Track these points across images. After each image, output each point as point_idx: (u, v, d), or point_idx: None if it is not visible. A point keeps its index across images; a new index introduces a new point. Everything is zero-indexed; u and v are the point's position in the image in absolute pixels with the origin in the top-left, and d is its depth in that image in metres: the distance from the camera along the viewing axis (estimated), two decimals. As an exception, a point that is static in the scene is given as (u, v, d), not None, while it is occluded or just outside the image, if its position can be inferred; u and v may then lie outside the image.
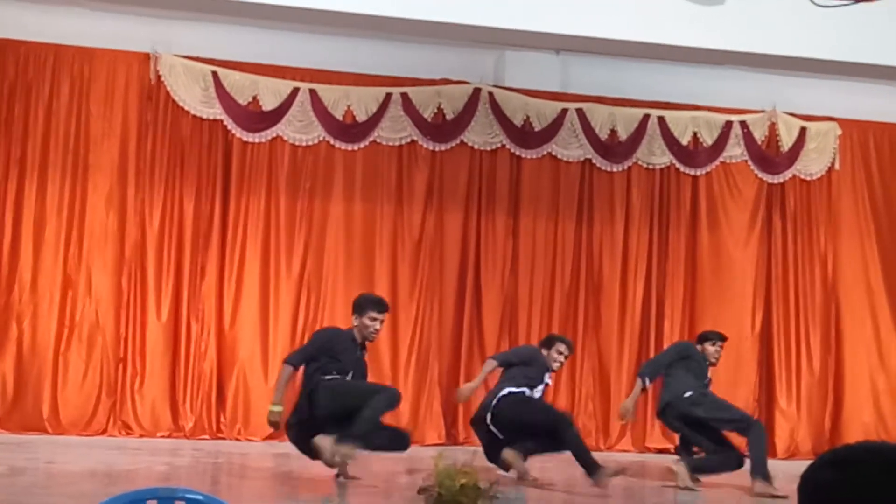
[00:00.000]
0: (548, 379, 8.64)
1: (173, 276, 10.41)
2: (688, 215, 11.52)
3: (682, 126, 11.47)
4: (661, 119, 11.40)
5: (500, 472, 8.04)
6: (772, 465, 9.79)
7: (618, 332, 11.26)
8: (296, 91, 10.74)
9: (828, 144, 11.74)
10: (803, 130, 11.66)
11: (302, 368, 7.89)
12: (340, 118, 10.83)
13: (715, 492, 8.47)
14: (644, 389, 8.74)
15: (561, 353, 8.70)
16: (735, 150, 11.58)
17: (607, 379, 11.18)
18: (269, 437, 10.28)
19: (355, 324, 7.96)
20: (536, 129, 11.15)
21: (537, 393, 8.45)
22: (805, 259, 11.61)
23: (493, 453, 8.19)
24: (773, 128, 11.66)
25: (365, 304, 8.03)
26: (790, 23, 9.26)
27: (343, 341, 7.91)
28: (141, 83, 10.46)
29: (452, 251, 11.05)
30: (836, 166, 11.76)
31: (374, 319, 7.91)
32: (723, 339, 9.03)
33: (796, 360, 11.47)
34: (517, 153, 11.14)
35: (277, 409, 7.75)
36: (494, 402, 8.28)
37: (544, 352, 8.71)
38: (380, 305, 8.05)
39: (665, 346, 10.96)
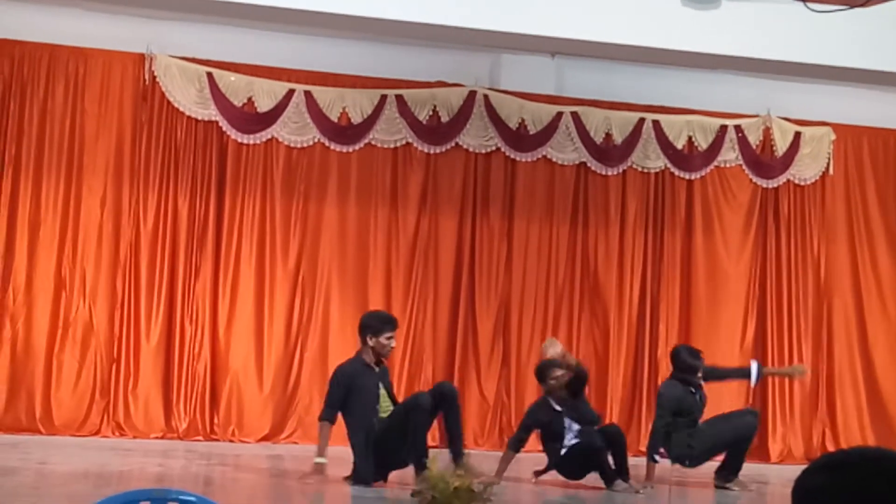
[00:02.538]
0: (566, 417, 8.35)
1: (167, 276, 10.39)
2: (682, 219, 11.51)
3: (677, 130, 11.47)
4: (655, 123, 11.39)
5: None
6: (765, 469, 9.83)
7: (614, 336, 11.23)
8: (291, 93, 10.73)
9: (822, 149, 11.75)
10: (798, 135, 11.67)
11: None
12: (335, 120, 10.82)
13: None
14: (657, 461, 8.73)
15: (554, 378, 8.38)
16: (730, 155, 11.58)
17: (603, 383, 11.16)
18: (263, 440, 10.32)
19: (371, 345, 7.88)
20: (531, 133, 11.15)
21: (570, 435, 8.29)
22: (798, 263, 11.61)
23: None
24: (767, 132, 11.66)
25: (381, 325, 7.96)
26: (785, 27, 9.27)
27: (360, 374, 7.85)
28: (136, 84, 10.44)
29: (447, 254, 11.03)
30: (831, 171, 11.76)
31: (391, 338, 7.93)
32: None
33: (789, 364, 11.46)
34: (512, 156, 11.13)
35: (322, 460, 7.73)
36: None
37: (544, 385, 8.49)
38: (394, 324, 8.09)
39: (659, 350, 11.02)
